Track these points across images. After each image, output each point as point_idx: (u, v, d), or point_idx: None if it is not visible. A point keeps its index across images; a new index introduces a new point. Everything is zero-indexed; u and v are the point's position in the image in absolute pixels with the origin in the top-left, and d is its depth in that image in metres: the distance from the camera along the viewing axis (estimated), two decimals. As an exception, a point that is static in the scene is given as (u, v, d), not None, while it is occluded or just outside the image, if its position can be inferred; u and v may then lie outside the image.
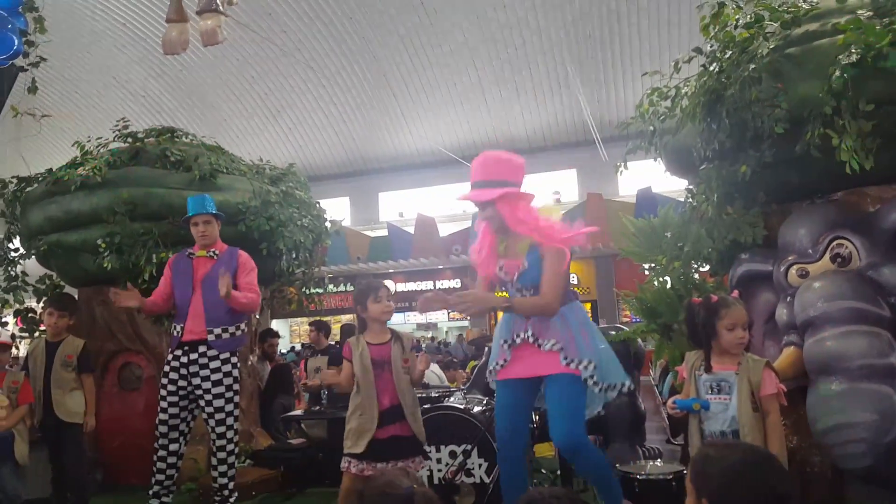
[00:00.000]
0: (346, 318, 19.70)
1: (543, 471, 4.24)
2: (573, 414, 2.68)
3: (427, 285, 19.46)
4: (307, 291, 6.03)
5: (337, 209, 19.60)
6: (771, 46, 3.21)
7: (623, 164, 4.38)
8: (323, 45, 16.16)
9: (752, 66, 3.22)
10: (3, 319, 5.12)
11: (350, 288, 19.41)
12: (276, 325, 17.70)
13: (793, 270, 3.44)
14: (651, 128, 4.15)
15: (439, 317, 19.75)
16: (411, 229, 15.87)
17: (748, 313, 2.75)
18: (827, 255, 3.34)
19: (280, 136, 19.24)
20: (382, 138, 19.30)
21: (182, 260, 4.06)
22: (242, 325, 4.05)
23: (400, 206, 19.81)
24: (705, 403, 2.48)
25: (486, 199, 2.77)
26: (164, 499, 3.94)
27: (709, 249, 3.93)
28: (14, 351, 4.44)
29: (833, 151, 3.02)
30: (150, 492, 3.91)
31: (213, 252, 4.03)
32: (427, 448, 3.42)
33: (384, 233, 16.41)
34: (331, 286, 19.05)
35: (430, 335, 18.34)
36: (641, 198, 12.70)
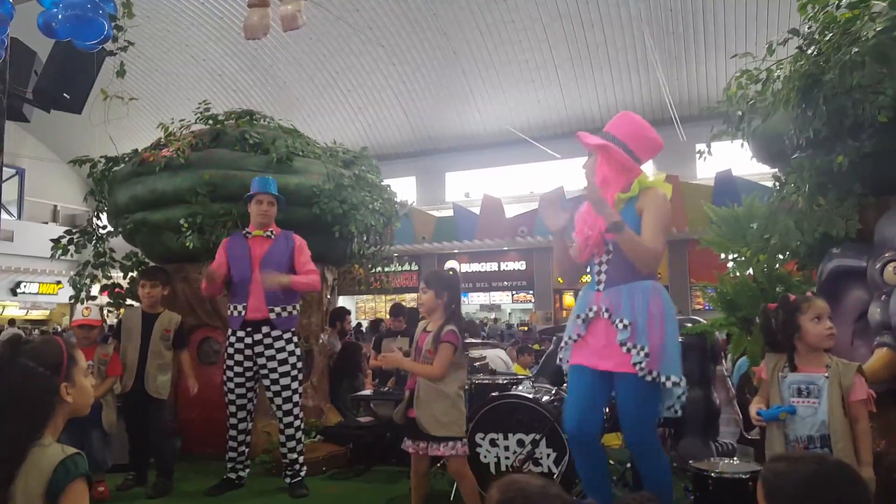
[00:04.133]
0: (411, 296, 19.99)
1: (611, 462, 4.18)
2: (642, 416, 2.64)
3: (492, 266, 19.47)
4: (374, 270, 6.12)
5: (404, 189, 19.78)
6: (878, 28, 2.97)
7: (707, 149, 4.21)
8: (394, 21, 16.18)
9: (855, 49, 3.00)
10: (92, 293, 5.42)
11: (414, 267, 19.62)
12: (342, 302, 18.18)
13: (889, 268, 3.23)
14: (739, 112, 3.95)
15: (503, 298, 19.73)
16: (477, 210, 15.85)
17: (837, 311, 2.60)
18: (929, 254, 3.12)
19: (350, 115, 19.49)
20: (451, 117, 19.24)
21: (238, 241, 4.15)
22: (298, 305, 4.16)
23: (466, 187, 19.79)
24: (791, 409, 2.37)
25: (589, 142, 2.77)
26: (241, 472, 4.13)
27: (797, 242, 3.73)
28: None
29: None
30: (227, 465, 4.11)
31: (270, 232, 4.12)
32: (495, 435, 3.45)
33: (450, 213, 16.46)
34: (396, 265, 19.33)
35: (493, 316, 18.35)
36: (720, 182, 12.21)
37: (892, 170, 3.30)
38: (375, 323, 7.43)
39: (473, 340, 5.19)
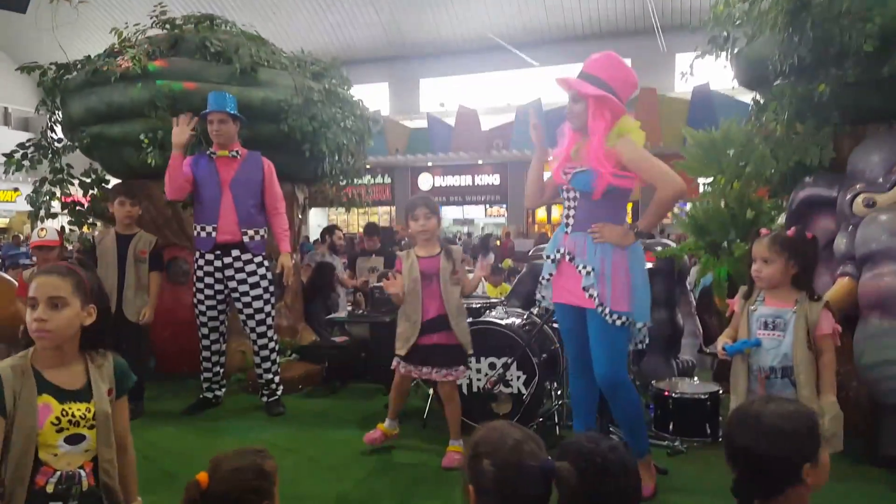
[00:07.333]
0: (384, 209, 19.87)
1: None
2: (613, 352, 2.66)
3: (466, 180, 19.35)
4: (346, 184, 5.97)
5: (376, 96, 19.17)
6: (873, -49, 2.84)
7: (689, 70, 4.12)
8: (364, -86, 15.09)
9: (848, -28, 2.88)
10: (52, 211, 5.17)
11: (387, 180, 19.39)
12: (314, 215, 18.01)
13: (859, 200, 3.27)
14: (724, 33, 3.82)
15: (476, 212, 19.76)
16: (452, 121, 15.51)
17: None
18: (898, 187, 3.15)
19: (318, 13, 18.48)
20: (425, 19, 18.40)
21: (203, 160, 3.97)
22: (267, 228, 4.10)
23: (441, 95, 19.28)
24: (756, 342, 2.42)
25: (584, 91, 2.65)
26: (217, 392, 4.18)
27: (771, 171, 3.74)
28: (67, 245, 4.51)
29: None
30: (203, 386, 4.15)
31: (235, 152, 3.96)
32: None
33: (424, 124, 16.09)
34: (368, 177, 18.98)
35: (466, 230, 18.42)
36: (697, 96, 12.06)
37: (872, 100, 3.27)
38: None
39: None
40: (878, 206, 3.18)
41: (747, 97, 4.29)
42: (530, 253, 5.55)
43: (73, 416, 1.60)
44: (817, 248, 2.61)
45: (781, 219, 4.07)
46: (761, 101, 3.95)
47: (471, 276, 3.37)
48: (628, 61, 17.29)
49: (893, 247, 2.99)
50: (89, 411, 1.63)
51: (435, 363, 3.19)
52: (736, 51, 3.82)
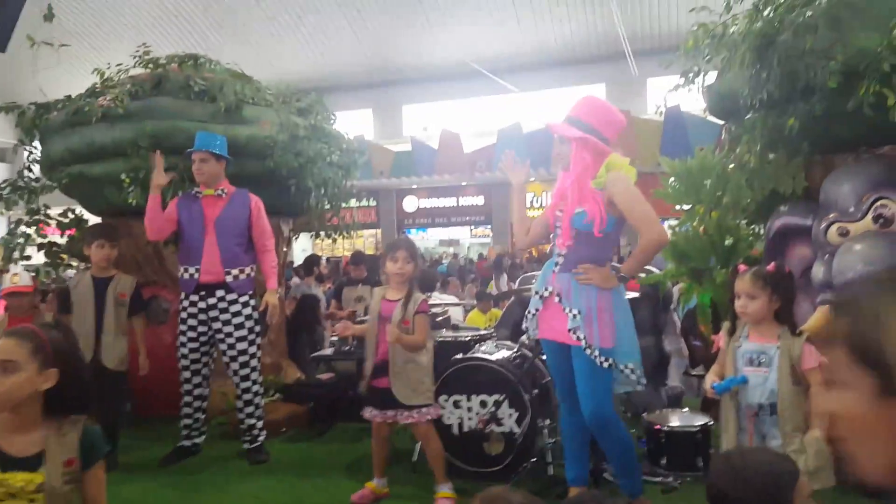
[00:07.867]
0: (369, 233, 19.86)
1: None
2: (598, 390, 2.69)
3: (450, 202, 19.42)
4: (331, 212, 5.94)
5: (360, 121, 19.27)
6: (832, -9, 2.95)
7: (664, 103, 4.22)
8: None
9: (809, 12, 2.99)
10: (26, 253, 5.06)
11: (373, 203, 19.41)
12: (298, 239, 17.93)
13: (833, 229, 3.34)
14: (696, 68, 3.93)
15: (461, 233, 19.81)
16: (435, 144, 15.61)
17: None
18: (870, 216, 3.24)
19: (302, 41, 18.59)
20: (408, 47, 18.60)
21: (190, 200, 3.94)
22: (255, 266, 4.03)
23: (424, 120, 19.44)
24: (742, 379, 2.45)
25: (566, 134, 2.73)
26: (197, 440, 4.04)
27: (748, 200, 3.82)
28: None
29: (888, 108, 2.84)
30: (182, 433, 4.00)
31: (221, 191, 3.92)
32: (458, 397, 3.51)
33: (408, 147, 16.17)
34: (353, 201, 18.92)
35: (452, 251, 18.45)
36: (669, 117, 12.25)
37: (839, 131, 3.36)
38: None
39: (436, 303, 5.14)
40: (852, 234, 3.26)
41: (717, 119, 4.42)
42: (516, 285, 5.57)
43: (10, 486, 1.52)
44: (794, 282, 2.67)
45: (760, 246, 4.15)
46: (734, 132, 4.05)
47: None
48: (602, 86, 17.75)
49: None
50: (31, 483, 1.53)
51: (395, 405, 3.15)
52: (707, 85, 3.92)
